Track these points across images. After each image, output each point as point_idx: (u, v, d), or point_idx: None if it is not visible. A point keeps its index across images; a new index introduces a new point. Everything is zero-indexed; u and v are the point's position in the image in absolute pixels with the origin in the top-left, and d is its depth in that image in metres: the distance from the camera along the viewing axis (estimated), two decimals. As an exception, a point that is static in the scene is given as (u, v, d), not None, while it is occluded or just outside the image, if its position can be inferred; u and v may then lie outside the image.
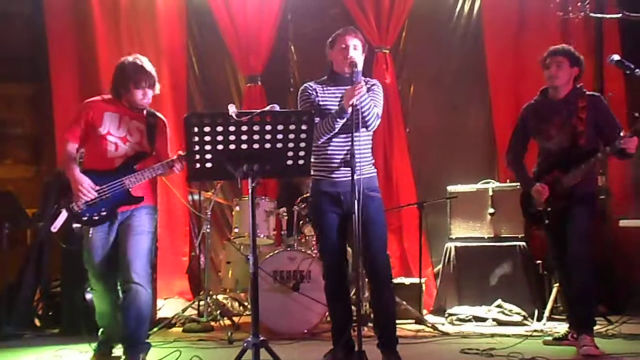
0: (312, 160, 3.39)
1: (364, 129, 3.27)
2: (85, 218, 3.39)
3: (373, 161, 3.46)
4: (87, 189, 3.32)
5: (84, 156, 3.56)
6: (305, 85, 3.44)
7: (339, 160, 3.32)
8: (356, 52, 3.31)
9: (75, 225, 3.44)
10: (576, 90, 3.83)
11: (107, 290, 3.54)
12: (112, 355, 3.66)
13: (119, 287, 3.53)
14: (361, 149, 3.27)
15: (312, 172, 3.42)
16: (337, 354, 3.40)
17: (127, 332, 3.36)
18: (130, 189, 3.42)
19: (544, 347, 3.87)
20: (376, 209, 3.34)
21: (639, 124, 3.42)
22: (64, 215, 3.38)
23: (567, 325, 4.01)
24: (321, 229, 3.44)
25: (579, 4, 4.81)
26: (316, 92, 3.38)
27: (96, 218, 3.40)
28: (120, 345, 3.54)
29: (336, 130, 3.26)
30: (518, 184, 5.08)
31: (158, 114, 3.67)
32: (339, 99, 3.31)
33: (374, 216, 3.30)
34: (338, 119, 3.22)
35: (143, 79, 3.45)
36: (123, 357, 3.39)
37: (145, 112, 3.59)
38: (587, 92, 3.85)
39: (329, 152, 3.34)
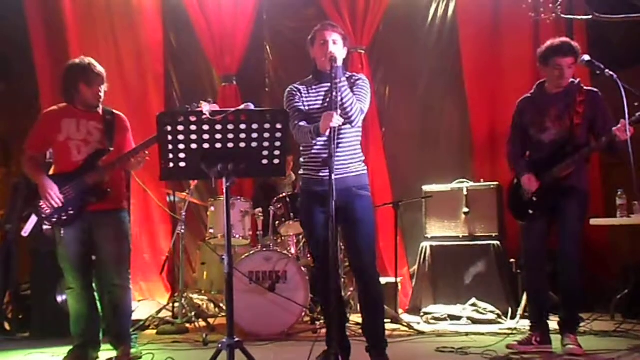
0: (301, 160, 3.37)
1: (349, 126, 3.20)
2: (55, 219, 3.46)
3: (363, 158, 3.36)
4: (55, 194, 3.41)
5: (52, 162, 3.62)
6: (290, 87, 3.38)
7: (323, 159, 3.21)
8: (336, 47, 3.24)
9: (45, 227, 3.51)
10: (574, 85, 3.74)
11: (85, 287, 3.56)
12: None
13: (94, 287, 3.62)
14: (348, 147, 3.23)
15: (301, 172, 3.40)
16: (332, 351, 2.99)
17: (119, 328, 3.60)
18: (94, 185, 3.46)
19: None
20: (364, 208, 3.26)
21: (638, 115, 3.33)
22: (33, 219, 3.50)
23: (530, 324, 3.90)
24: (308, 228, 3.40)
25: (550, 5, 4.87)
26: (301, 93, 3.31)
27: (65, 218, 3.46)
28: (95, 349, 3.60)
29: (315, 144, 3.22)
30: (492, 183, 5.20)
31: (116, 112, 3.68)
32: (323, 97, 3.27)
33: (361, 215, 3.23)
34: (317, 138, 3.17)
35: (93, 78, 3.51)
36: (116, 350, 3.58)
37: (101, 111, 3.61)
38: (585, 88, 3.76)
39: (314, 151, 3.29)
